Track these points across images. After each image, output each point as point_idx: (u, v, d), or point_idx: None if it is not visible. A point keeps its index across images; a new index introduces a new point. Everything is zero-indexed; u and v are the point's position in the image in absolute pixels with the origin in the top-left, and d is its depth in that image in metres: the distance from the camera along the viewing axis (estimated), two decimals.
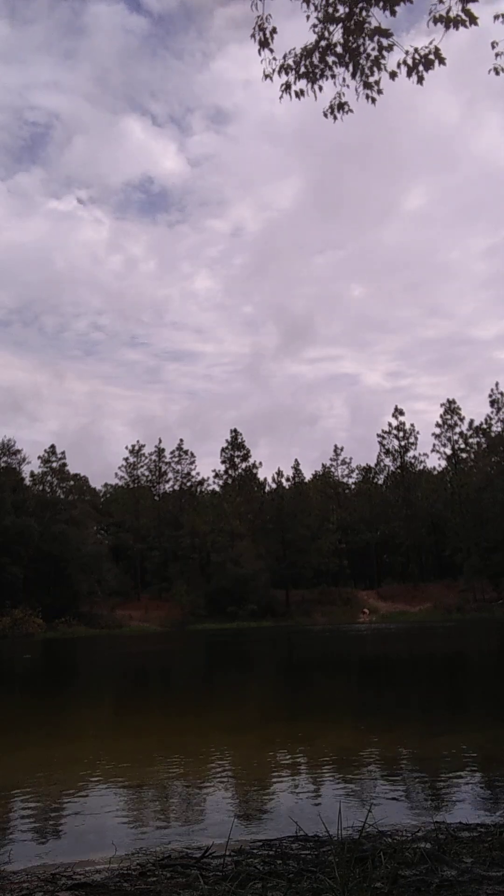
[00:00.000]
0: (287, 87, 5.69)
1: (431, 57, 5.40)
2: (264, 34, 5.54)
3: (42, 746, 11.54)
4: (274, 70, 5.65)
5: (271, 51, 5.58)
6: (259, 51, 5.58)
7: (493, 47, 5.61)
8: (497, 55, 5.61)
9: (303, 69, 5.60)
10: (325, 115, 5.93)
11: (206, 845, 5.47)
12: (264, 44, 5.56)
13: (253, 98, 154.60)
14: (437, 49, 5.38)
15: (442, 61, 5.41)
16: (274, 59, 5.62)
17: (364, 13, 5.37)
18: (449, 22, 5.20)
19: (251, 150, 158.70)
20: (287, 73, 5.66)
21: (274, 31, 5.55)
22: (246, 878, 4.36)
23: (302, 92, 5.70)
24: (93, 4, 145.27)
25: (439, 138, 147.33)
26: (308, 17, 5.47)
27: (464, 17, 5.19)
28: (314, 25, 5.48)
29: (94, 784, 8.68)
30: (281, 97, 5.73)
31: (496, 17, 5.40)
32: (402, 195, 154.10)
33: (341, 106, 5.89)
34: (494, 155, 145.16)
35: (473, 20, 5.20)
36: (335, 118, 5.92)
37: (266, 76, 5.69)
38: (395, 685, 19.54)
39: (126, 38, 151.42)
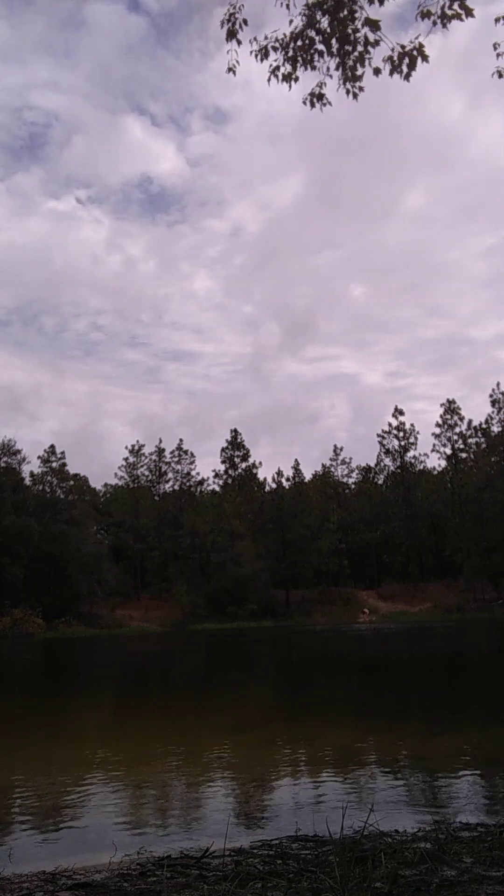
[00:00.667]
0: (274, 70, 5.55)
1: (415, 54, 5.34)
2: (233, 25, 5.46)
3: (42, 746, 11.54)
4: (252, 52, 5.52)
5: (238, 42, 5.44)
6: (226, 39, 5.45)
7: (496, 48, 5.57)
8: (498, 55, 5.58)
9: (289, 52, 5.50)
10: (304, 103, 5.84)
11: (206, 845, 5.47)
12: (232, 34, 5.45)
13: (252, 98, 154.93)
14: (420, 46, 5.32)
15: (425, 59, 5.35)
16: (254, 39, 5.48)
17: (353, 4, 5.29)
18: (444, 18, 5.12)
19: (250, 150, 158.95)
20: (266, 58, 5.52)
21: (245, 22, 5.44)
22: (246, 878, 4.36)
23: (289, 77, 5.59)
24: (91, 4, 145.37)
25: (439, 138, 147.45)
26: (288, 6, 5.34)
27: (458, 10, 5.11)
28: (302, 12, 5.36)
29: (94, 784, 8.67)
30: (269, 80, 5.59)
31: (497, 20, 5.35)
32: (402, 195, 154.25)
33: (320, 97, 5.82)
34: (494, 155, 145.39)
35: (469, 12, 5.11)
36: (312, 106, 5.83)
37: (229, 69, 5.58)
38: (395, 685, 19.53)
39: (125, 37, 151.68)
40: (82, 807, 7.63)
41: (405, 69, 5.37)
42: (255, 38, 5.53)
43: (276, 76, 5.59)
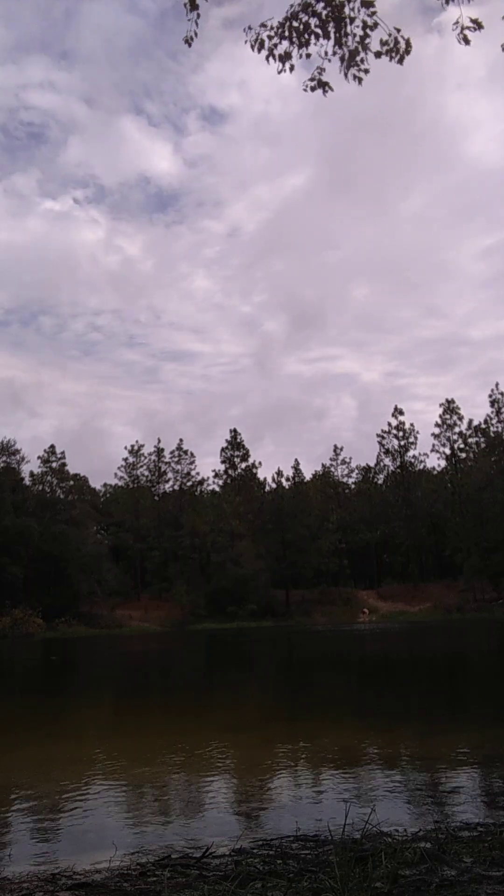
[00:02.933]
0: (270, 51, 5.42)
1: (400, 40, 5.31)
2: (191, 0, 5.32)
3: (42, 746, 11.54)
4: (247, 41, 5.41)
5: (197, 10, 5.31)
6: (188, 8, 5.34)
7: None
8: None
9: (285, 32, 5.41)
10: (305, 90, 5.75)
11: (206, 845, 5.48)
12: (193, 4, 5.33)
13: (248, 98, 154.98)
14: (408, 41, 5.31)
15: (408, 50, 5.34)
16: (249, 28, 5.38)
17: None
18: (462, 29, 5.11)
19: (247, 151, 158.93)
20: (261, 49, 5.43)
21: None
22: (246, 877, 4.36)
23: (288, 56, 5.49)
24: (87, 4, 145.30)
25: (438, 137, 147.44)
26: None
27: (473, 27, 5.10)
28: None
29: (94, 784, 8.67)
30: (267, 59, 5.46)
31: None
32: (400, 195, 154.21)
33: (322, 84, 5.78)
34: (491, 156, 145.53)
35: (478, 26, 5.10)
36: (313, 90, 5.78)
37: (186, 41, 5.46)
38: (396, 685, 19.53)
39: (121, 37, 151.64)
40: (82, 807, 7.63)
41: (402, 53, 5.34)
42: (249, 27, 5.45)
43: (274, 56, 5.50)
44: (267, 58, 5.53)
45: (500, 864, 4.58)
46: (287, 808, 7.32)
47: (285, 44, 5.47)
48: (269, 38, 5.46)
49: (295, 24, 5.39)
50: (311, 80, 5.69)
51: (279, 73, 5.59)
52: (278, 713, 14.93)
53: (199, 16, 5.38)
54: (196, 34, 5.45)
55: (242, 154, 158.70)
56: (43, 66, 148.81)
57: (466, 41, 5.28)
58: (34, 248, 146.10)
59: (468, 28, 5.19)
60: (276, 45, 5.48)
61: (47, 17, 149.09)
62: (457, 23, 5.20)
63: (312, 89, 5.73)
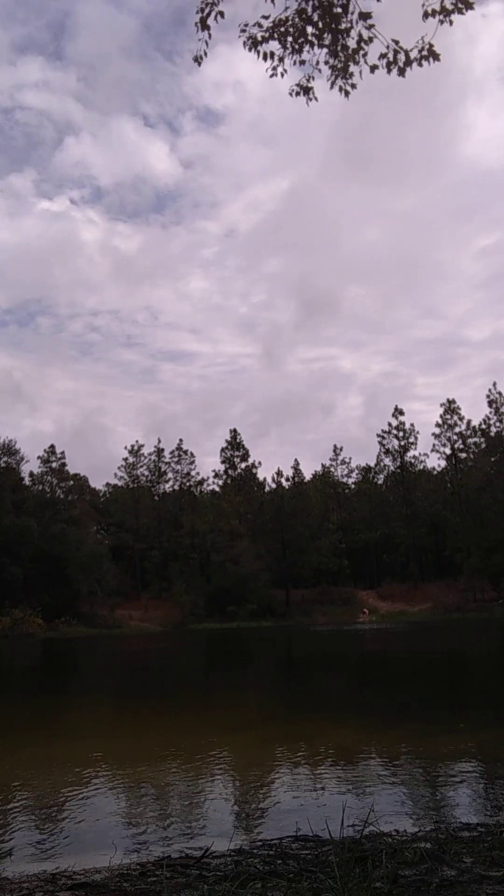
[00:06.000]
0: (264, 56, 5.35)
1: (422, 53, 5.29)
2: (203, 13, 5.31)
3: (42, 746, 11.54)
4: (239, 36, 5.39)
5: (208, 31, 5.32)
6: (198, 30, 5.35)
7: None
8: None
9: (276, 36, 5.34)
10: (290, 94, 5.72)
11: (206, 845, 5.47)
12: (203, 24, 5.33)
13: (243, 98, 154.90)
14: (430, 46, 5.28)
15: (436, 58, 5.31)
16: (242, 31, 5.35)
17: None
18: (444, 12, 5.09)
19: (243, 151, 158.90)
20: (255, 47, 5.36)
21: (221, 14, 5.31)
22: (246, 878, 4.36)
23: (282, 59, 5.42)
24: (83, 4, 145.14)
25: (432, 139, 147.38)
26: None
27: (461, 5, 5.09)
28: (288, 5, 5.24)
29: (94, 784, 8.67)
30: (258, 55, 5.42)
31: None
32: (397, 196, 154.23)
33: (307, 90, 5.75)
34: (486, 156, 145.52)
35: (469, 5, 5.10)
36: (297, 96, 5.71)
37: (195, 59, 5.45)
38: (396, 684, 19.53)
39: (116, 38, 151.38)
40: (82, 807, 7.63)
41: (401, 65, 5.32)
42: (245, 26, 5.41)
43: (265, 56, 5.42)
44: (261, 56, 5.49)
45: (500, 864, 4.58)
46: (287, 808, 7.32)
47: (276, 45, 5.44)
48: (263, 38, 5.44)
49: (289, 27, 5.36)
50: (298, 84, 5.68)
51: (271, 76, 5.56)
52: (278, 713, 14.93)
53: (210, 36, 5.37)
54: (206, 53, 5.48)
55: (238, 155, 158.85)
56: (38, 66, 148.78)
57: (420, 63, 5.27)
58: (31, 248, 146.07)
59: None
60: (269, 49, 5.44)
61: (42, 17, 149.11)
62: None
63: (297, 94, 5.72)
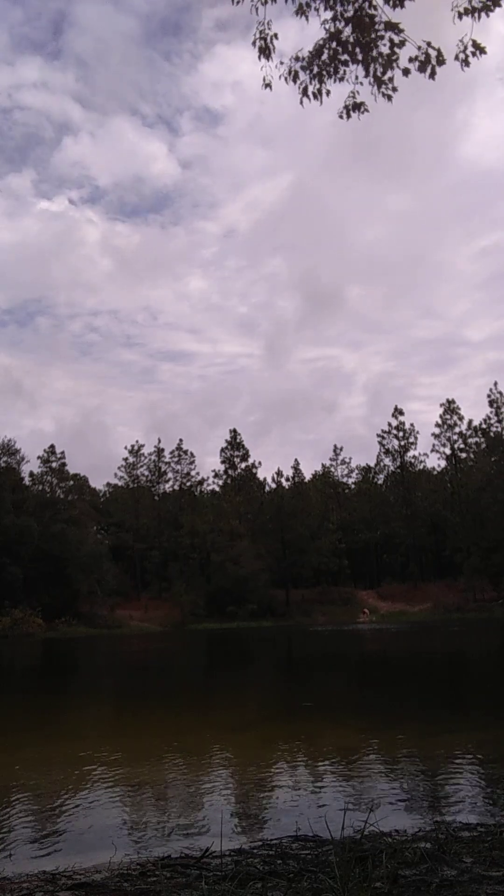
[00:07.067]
0: (304, 90, 5.46)
1: (431, 52, 5.27)
2: (265, 41, 5.39)
3: (42, 746, 11.53)
4: (282, 75, 5.47)
5: (269, 58, 5.39)
6: (259, 57, 5.40)
7: None
8: None
9: (315, 69, 5.42)
10: (341, 117, 5.73)
11: (206, 845, 5.47)
12: (265, 52, 5.41)
13: (242, 99, 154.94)
14: (474, 41, 5.26)
15: (483, 51, 5.28)
16: (281, 63, 5.44)
17: (371, 9, 5.23)
18: (474, 11, 5.09)
19: (241, 151, 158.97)
20: (296, 80, 5.46)
21: (275, 36, 5.37)
22: (246, 878, 4.36)
23: (319, 93, 5.50)
24: (80, 5, 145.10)
25: (432, 141, 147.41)
26: (307, 17, 5.31)
27: (489, 2, 5.09)
28: (324, 22, 5.30)
29: (94, 784, 8.67)
30: (301, 101, 5.50)
31: None
32: (397, 196, 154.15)
33: (357, 106, 5.74)
34: (486, 156, 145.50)
35: (497, 3, 5.10)
36: (349, 117, 5.74)
37: (266, 85, 5.51)
38: (396, 684, 19.53)
39: (114, 38, 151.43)
40: (82, 807, 7.63)
41: (435, 67, 5.32)
42: (281, 62, 5.45)
43: (308, 96, 5.52)
44: (301, 101, 5.52)
45: (500, 864, 4.57)
46: (287, 808, 7.32)
47: (317, 82, 5.45)
48: (303, 69, 5.45)
49: (324, 58, 5.37)
50: (345, 106, 5.67)
51: (319, 103, 5.60)
52: (278, 712, 14.93)
53: (269, 60, 5.39)
54: (272, 77, 5.47)
55: (237, 155, 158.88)
56: (37, 66, 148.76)
57: (467, 63, 5.28)
58: (31, 248, 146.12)
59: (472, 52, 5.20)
60: (307, 87, 5.46)
61: (40, 17, 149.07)
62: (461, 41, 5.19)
63: (348, 114, 5.71)
